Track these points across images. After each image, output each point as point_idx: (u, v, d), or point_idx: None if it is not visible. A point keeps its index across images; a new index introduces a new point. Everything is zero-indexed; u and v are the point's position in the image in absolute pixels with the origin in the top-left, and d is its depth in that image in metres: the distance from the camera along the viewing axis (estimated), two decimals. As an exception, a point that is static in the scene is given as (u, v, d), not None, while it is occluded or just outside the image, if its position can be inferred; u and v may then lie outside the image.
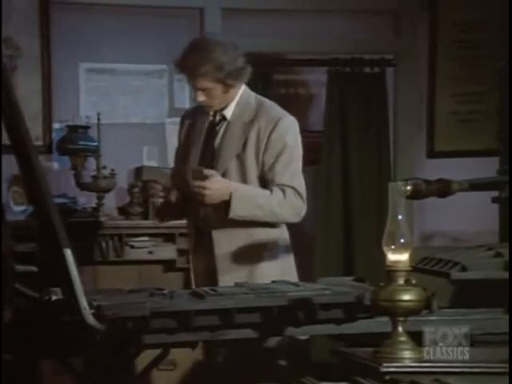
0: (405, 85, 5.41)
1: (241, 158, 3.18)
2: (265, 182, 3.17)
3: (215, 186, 3.04)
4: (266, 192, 3.13)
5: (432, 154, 5.40)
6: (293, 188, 3.14)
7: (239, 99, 3.23)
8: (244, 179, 3.17)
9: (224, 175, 3.15)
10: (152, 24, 5.08)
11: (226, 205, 3.06)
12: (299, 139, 3.25)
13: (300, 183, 3.18)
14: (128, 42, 5.00)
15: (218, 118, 3.26)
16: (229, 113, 3.23)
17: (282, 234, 3.27)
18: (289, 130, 3.21)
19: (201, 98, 3.17)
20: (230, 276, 3.09)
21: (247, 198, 3.09)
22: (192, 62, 3.12)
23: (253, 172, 3.18)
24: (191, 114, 3.39)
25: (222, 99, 3.19)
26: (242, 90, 3.25)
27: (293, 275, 3.21)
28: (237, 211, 3.06)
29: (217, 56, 3.12)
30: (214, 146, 3.24)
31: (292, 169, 3.18)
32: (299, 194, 3.15)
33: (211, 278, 3.17)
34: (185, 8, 5.18)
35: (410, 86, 5.40)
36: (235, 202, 3.05)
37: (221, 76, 3.12)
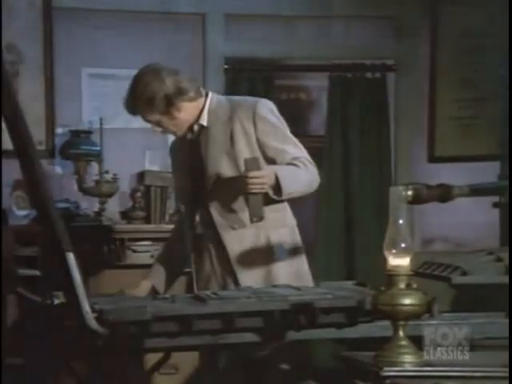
0: (406, 90, 5.41)
1: (231, 155, 3.16)
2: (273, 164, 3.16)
3: (267, 172, 3.01)
4: (294, 167, 3.12)
5: (432, 158, 5.40)
6: (304, 158, 3.16)
7: (209, 106, 3.22)
8: (238, 174, 3.13)
9: (218, 177, 3.15)
10: (154, 30, 5.08)
11: (272, 188, 3.03)
12: (278, 113, 3.24)
13: (304, 150, 3.20)
14: (130, 47, 5.01)
15: (195, 129, 3.23)
16: (204, 120, 3.21)
17: (291, 235, 3.26)
18: (268, 109, 3.21)
19: (157, 130, 3.19)
20: (248, 276, 3.10)
21: (289, 176, 3.07)
22: (130, 104, 3.15)
23: None
24: (177, 141, 3.37)
25: (177, 123, 3.18)
26: (209, 97, 3.23)
27: (307, 276, 3.22)
28: (287, 190, 3.05)
29: (142, 90, 3.09)
30: (201, 156, 3.22)
31: (291, 141, 3.19)
32: (309, 160, 3.18)
33: (227, 279, 3.16)
34: (187, 14, 5.19)
35: (410, 91, 5.41)
36: (284, 182, 3.03)
37: (153, 108, 3.10)
